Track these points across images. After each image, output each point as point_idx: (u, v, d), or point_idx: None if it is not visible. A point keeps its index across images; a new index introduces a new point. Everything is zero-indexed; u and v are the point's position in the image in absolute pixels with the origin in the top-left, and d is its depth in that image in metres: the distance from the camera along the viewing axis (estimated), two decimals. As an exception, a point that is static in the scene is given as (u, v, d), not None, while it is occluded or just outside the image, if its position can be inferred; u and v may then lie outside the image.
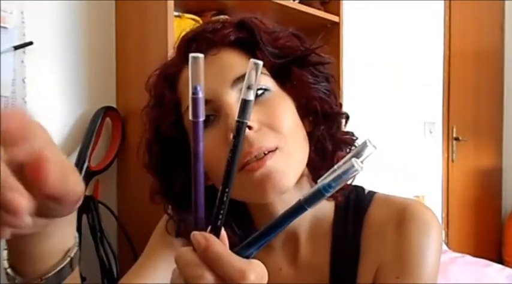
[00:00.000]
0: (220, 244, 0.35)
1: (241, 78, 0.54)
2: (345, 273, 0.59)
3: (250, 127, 0.51)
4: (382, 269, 0.57)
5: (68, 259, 0.41)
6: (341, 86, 1.62)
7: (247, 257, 0.36)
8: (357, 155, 0.33)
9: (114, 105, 1.29)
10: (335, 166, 0.33)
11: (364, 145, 0.33)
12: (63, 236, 0.41)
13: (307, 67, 0.58)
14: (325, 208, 0.62)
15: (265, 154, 0.52)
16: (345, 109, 0.63)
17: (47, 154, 0.28)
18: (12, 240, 0.38)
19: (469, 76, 3.01)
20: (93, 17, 1.27)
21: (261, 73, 0.54)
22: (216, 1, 1.36)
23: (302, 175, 0.59)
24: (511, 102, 3.28)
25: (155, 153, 0.60)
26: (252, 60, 0.34)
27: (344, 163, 0.32)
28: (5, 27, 1.10)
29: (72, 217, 0.41)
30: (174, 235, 0.65)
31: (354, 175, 0.31)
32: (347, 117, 0.61)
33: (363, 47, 2.17)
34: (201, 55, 0.34)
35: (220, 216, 0.36)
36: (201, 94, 0.34)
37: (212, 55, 0.56)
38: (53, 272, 0.40)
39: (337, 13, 1.62)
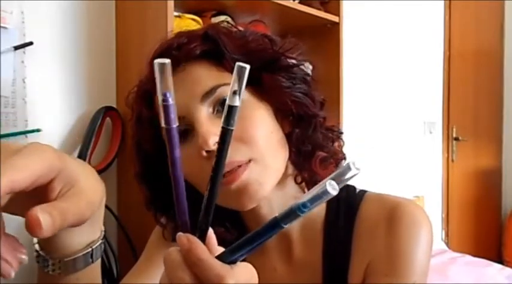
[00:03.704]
0: (202, 247, 0.35)
1: (209, 92, 0.54)
2: (337, 271, 0.60)
3: None
4: (372, 266, 0.58)
5: (89, 249, 0.42)
6: (341, 86, 1.62)
7: (232, 262, 0.36)
8: (339, 176, 0.32)
9: (114, 105, 1.29)
10: (316, 185, 0.32)
11: (347, 168, 0.32)
12: (88, 229, 0.41)
13: (279, 70, 0.57)
14: (317, 207, 0.63)
15: (239, 166, 0.52)
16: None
17: (40, 218, 0.29)
18: None
19: (469, 76, 3.01)
20: (93, 17, 1.27)
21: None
22: (216, 1, 1.36)
23: (287, 175, 0.60)
24: (511, 102, 3.29)
25: (139, 165, 0.62)
26: (237, 63, 0.33)
27: (323, 183, 0.31)
28: (5, 27, 1.10)
29: (99, 213, 0.42)
30: (171, 240, 0.65)
31: (329, 197, 0.31)
32: (324, 118, 0.60)
33: (363, 47, 2.17)
34: (167, 60, 0.33)
35: (205, 224, 0.37)
36: (171, 101, 0.34)
37: (180, 71, 0.56)
38: (70, 258, 0.41)
39: (337, 13, 1.62)
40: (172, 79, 0.56)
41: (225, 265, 0.35)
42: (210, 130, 0.52)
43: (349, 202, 0.63)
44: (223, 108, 0.53)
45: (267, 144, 0.55)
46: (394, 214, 0.58)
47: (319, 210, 0.63)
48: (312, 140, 0.59)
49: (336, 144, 0.62)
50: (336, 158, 0.61)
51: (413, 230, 0.57)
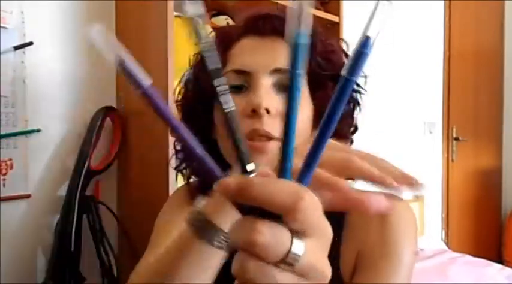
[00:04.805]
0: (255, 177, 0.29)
1: (280, 70, 0.59)
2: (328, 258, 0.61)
3: (268, 111, 0.56)
4: (365, 251, 0.60)
5: None
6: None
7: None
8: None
9: (114, 105, 1.29)
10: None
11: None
12: None
13: None
14: None
15: (268, 137, 0.56)
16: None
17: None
18: None
19: (469, 76, 3.01)
20: (93, 17, 1.27)
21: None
22: (216, 1, 1.36)
23: None
24: (511, 102, 3.29)
25: (189, 95, 0.66)
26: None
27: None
28: (5, 27, 1.10)
29: None
30: (198, 191, 0.66)
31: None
32: (351, 142, 0.67)
33: (363, 47, 2.17)
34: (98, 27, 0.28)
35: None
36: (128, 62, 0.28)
37: (267, 37, 0.61)
38: None
39: (337, 13, 1.62)
40: (257, 40, 0.62)
41: (292, 182, 0.28)
42: (266, 97, 0.57)
43: None
44: (283, 89, 0.58)
45: (298, 136, 0.57)
46: None
47: None
48: None
49: None
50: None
51: (402, 217, 0.61)
